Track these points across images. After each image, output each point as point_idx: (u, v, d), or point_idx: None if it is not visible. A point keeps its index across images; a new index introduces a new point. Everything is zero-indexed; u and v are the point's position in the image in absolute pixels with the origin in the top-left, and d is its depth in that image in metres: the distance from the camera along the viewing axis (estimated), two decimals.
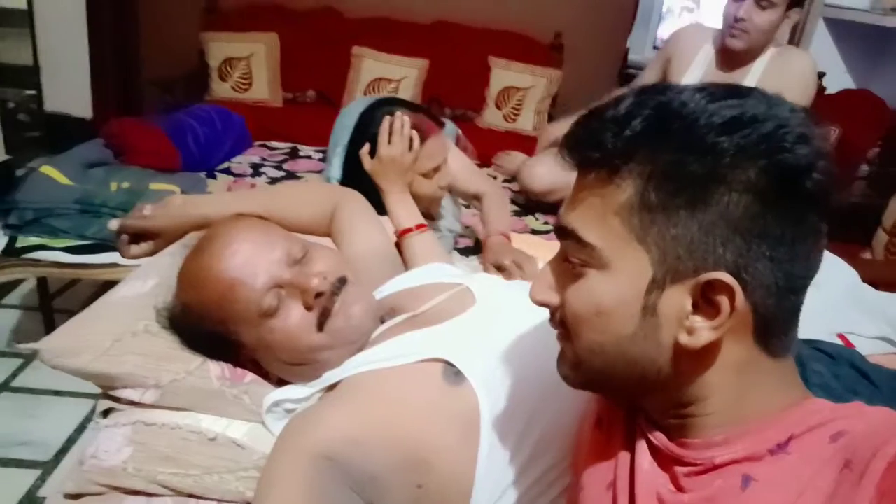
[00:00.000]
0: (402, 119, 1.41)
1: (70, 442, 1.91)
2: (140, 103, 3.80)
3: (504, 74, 3.62)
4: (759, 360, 0.57)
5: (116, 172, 2.22)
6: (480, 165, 2.72)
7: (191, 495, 0.89)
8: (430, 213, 1.62)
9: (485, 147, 3.11)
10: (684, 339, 0.56)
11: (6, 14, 3.50)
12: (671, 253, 0.55)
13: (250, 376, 0.97)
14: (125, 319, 0.98)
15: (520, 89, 3.61)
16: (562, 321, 0.63)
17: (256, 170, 2.77)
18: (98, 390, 1.01)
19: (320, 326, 0.91)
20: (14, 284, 2.55)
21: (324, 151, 2.78)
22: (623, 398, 0.69)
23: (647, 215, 0.55)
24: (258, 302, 0.89)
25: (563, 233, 0.61)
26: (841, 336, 1.27)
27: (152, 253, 1.11)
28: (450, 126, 2.28)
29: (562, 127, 2.51)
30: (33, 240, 2.02)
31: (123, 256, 1.11)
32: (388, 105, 1.52)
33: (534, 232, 2.32)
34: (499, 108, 3.64)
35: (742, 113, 0.54)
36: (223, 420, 0.94)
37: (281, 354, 0.93)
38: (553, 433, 0.81)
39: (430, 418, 0.81)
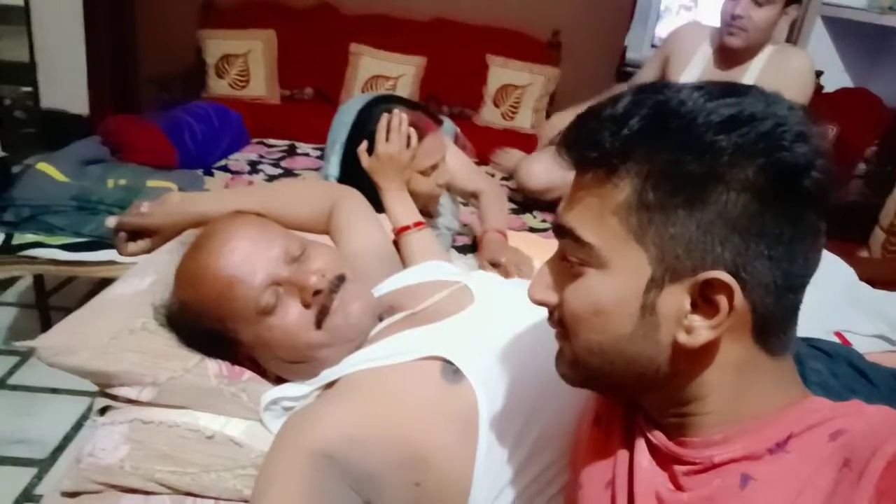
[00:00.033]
0: (400, 116, 1.41)
1: (67, 440, 1.91)
2: (137, 100, 3.79)
3: (502, 72, 3.62)
4: (758, 358, 0.57)
5: (113, 170, 2.22)
6: (478, 163, 2.72)
7: (188, 493, 0.89)
8: (428, 211, 1.62)
9: (482, 145, 3.11)
10: (683, 338, 0.56)
11: (2, 11, 3.49)
12: (669, 252, 0.55)
13: (248, 374, 0.97)
14: (122, 317, 0.98)
15: (518, 87, 3.61)
16: (560, 320, 0.63)
17: (254, 167, 2.77)
18: (95, 388, 1.00)
19: (318, 324, 0.91)
20: (10, 282, 2.55)
21: (321, 149, 2.78)
22: (622, 396, 0.69)
23: (645, 214, 0.55)
24: (256, 299, 0.89)
25: (561, 232, 0.61)
26: (838, 334, 1.27)
27: (150, 250, 1.11)
28: (448, 124, 2.28)
29: (564, 118, 2.52)
30: (30, 237, 2.01)
31: (121, 254, 1.11)
32: (386, 102, 1.52)
33: (532, 230, 2.32)
34: (496, 105, 3.64)
35: (740, 111, 0.53)
36: (221, 418, 0.94)
37: (279, 352, 0.93)
38: (552, 431, 0.81)
39: (429, 416, 0.81)
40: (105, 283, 1.21)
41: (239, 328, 0.91)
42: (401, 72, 3.57)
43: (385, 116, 1.41)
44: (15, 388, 2.08)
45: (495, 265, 1.53)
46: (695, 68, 2.28)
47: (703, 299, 0.55)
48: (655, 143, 0.54)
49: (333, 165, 1.59)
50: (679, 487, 0.59)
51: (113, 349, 0.94)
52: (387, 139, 1.40)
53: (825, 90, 3.09)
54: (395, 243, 1.29)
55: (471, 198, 1.84)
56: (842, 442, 0.52)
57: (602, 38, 3.82)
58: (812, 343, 0.96)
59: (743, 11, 2.09)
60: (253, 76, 3.55)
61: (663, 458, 0.62)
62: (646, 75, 2.46)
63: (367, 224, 1.20)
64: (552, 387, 0.71)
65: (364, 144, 1.43)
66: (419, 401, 0.83)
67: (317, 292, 0.91)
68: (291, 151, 3.05)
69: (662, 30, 4.00)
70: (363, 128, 1.48)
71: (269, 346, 0.92)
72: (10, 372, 2.14)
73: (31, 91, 3.58)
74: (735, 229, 0.53)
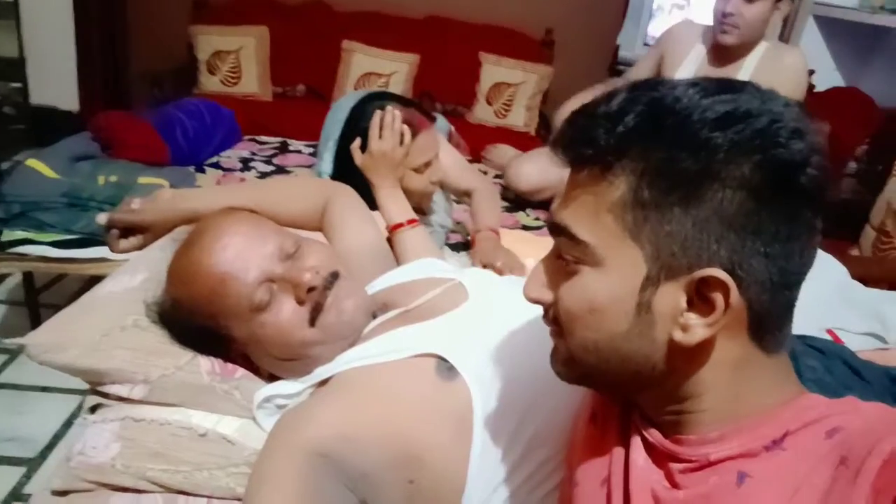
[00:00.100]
0: (393, 113, 1.41)
1: (57, 438, 1.89)
2: (128, 97, 3.77)
3: (495, 70, 3.62)
4: (754, 356, 0.57)
5: (104, 166, 2.20)
6: (471, 161, 2.72)
7: (180, 492, 0.88)
8: (421, 209, 1.62)
9: (475, 143, 3.11)
10: (679, 336, 0.56)
11: None
12: (665, 250, 0.55)
13: (241, 371, 0.96)
14: (114, 314, 0.98)
15: (511, 85, 3.61)
16: (555, 318, 0.63)
17: (246, 164, 2.76)
18: (86, 386, 1.00)
19: (312, 321, 0.91)
20: (0, 279, 2.53)
21: (314, 146, 2.76)
22: (617, 394, 0.69)
23: (641, 212, 0.55)
24: (249, 296, 0.88)
25: (556, 230, 0.61)
26: (830, 332, 1.28)
27: (141, 247, 1.10)
28: (442, 122, 2.28)
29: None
30: (19, 234, 2.00)
31: (112, 250, 1.10)
32: (379, 99, 1.51)
33: (525, 228, 2.32)
34: (489, 103, 3.63)
35: (736, 108, 0.53)
36: (213, 416, 0.93)
37: (272, 349, 0.92)
38: (547, 428, 0.81)
39: (423, 414, 0.81)
40: (96, 280, 1.20)
41: (232, 325, 0.91)
42: (394, 69, 3.57)
43: (378, 113, 1.41)
44: (4, 386, 2.06)
45: (489, 268, 1.52)
46: (689, 67, 2.28)
47: (699, 297, 0.55)
48: (651, 141, 0.54)
49: (326, 162, 1.58)
50: (675, 485, 0.59)
51: (104, 346, 0.93)
52: (380, 136, 1.39)
53: (816, 89, 3.10)
54: (389, 241, 1.28)
55: (464, 196, 1.84)
56: (838, 439, 0.52)
57: (595, 37, 3.82)
58: (806, 341, 0.96)
59: (734, 8, 2.09)
60: (245, 73, 3.53)
61: (659, 456, 0.62)
62: (639, 73, 2.46)
63: (360, 221, 1.20)
64: (547, 384, 0.71)
65: (357, 141, 1.42)
66: (414, 398, 0.82)
67: (311, 289, 0.90)
68: (284, 148, 3.04)
69: (655, 28, 4.01)
70: (356, 125, 1.47)
71: (263, 343, 0.92)
72: (0, 370, 2.13)
73: (20, 87, 3.55)
74: (731, 227, 0.53)
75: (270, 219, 1.02)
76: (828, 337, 1.24)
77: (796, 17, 3.19)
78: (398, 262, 1.23)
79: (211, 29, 3.53)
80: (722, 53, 2.22)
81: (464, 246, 1.89)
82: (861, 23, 3.10)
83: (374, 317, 1.00)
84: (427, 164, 1.51)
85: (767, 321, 0.56)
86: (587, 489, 0.68)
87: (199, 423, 0.92)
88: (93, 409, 0.97)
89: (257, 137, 3.12)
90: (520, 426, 0.81)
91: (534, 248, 1.68)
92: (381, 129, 1.39)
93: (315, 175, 1.70)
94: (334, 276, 0.94)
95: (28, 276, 2.22)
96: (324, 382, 0.91)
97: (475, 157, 3.08)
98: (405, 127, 1.41)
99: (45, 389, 2.05)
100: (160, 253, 1.04)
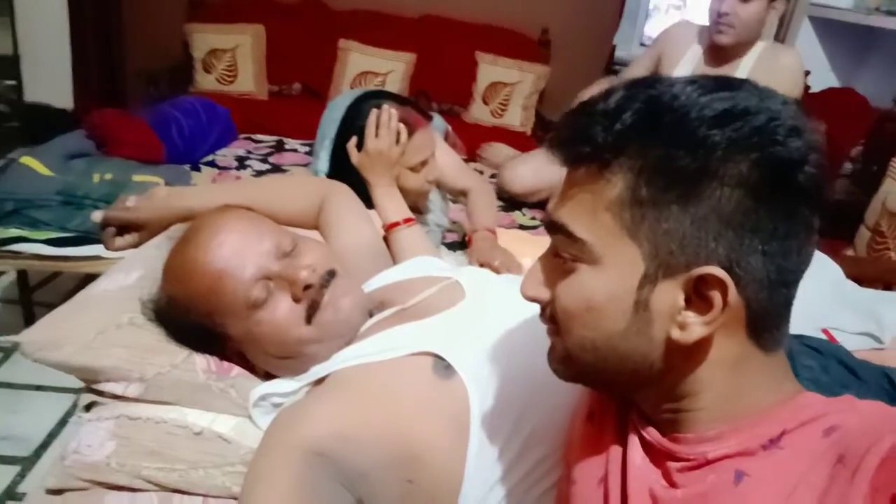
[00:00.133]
0: (390, 112, 1.40)
1: (51, 437, 1.88)
2: (123, 95, 3.76)
3: (491, 69, 3.62)
4: (752, 354, 0.57)
5: (99, 164, 2.19)
6: (467, 160, 2.72)
7: (176, 490, 0.88)
8: (417, 208, 1.62)
9: (472, 142, 3.11)
10: (676, 334, 0.55)
11: None
12: (663, 248, 0.54)
13: (237, 370, 0.96)
14: (109, 311, 0.97)
15: (507, 84, 3.61)
16: (552, 317, 0.63)
17: (242, 163, 2.75)
18: (80, 385, 0.99)
19: (308, 319, 0.90)
20: None
21: (310, 145, 2.76)
22: (615, 392, 0.69)
23: (639, 210, 0.55)
24: (246, 293, 0.88)
25: (553, 228, 0.61)
26: (825, 332, 1.28)
27: (136, 245, 1.10)
28: (439, 121, 2.27)
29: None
30: (13, 231, 1.99)
31: (107, 248, 1.09)
32: (375, 98, 1.51)
33: (521, 227, 2.32)
34: (486, 103, 3.63)
35: (734, 105, 0.53)
36: (209, 414, 0.93)
37: (268, 347, 0.92)
38: (544, 426, 0.81)
39: (420, 412, 0.81)
40: (90, 278, 1.19)
41: (228, 323, 0.91)
42: (390, 68, 3.56)
43: (374, 112, 1.41)
44: None
45: (486, 267, 1.52)
46: (685, 67, 2.29)
47: (697, 295, 0.54)
48: (648, 138, 0.54)
49: (322, 161, 1.58)
50: (673, 484, 0.59)
51: (99, 344, 0.92)
52: (376, 135, 1.39)
53: (812, 90, 3.11)
54: (385, 240, 1.28)
55: (460, 195, 1.84)
56: (835, 438, 0.52)
57: (591, 37, 3.83)
58: (802, 340, 0.97)
59: (729, 8, 2.10)
60: (241, 71, 3.53)
61: (657, 455, 0.62)
62: (635, 73, 2.47)
63: (357, 219, 1.20)
64: (544, 383, 0.71)
65: (353, 140, 1.42)
66: (411, 397, 0.82)
67: (307, 287, 0.90)
68: (279, 147, 3.04)
69: (651, 28, 4.02)
70: (352, 123, 1.47)
71: (259, 341, 0.91)
72: None
73: (14, 84, 3.53)
74: (729, 224, 0.52)
75: (266, 217, 1.02)
76: (823, 337, 1.24)
77: (792, 17, 3.20)
78: (395, 261, 1.22)
79: (207, 27, 3.52)
80: (718, 54, 2.23)
81: (460, 245, 1.88)
82: (856, 24, 3.11)
83: (371, 315, 1.00)
84: (423, 163, 1.51)
85: (765, 319, 0.56)
86: (584, 488, 0.68)
87: (195, 421, 0.91)
88: (88, 408, 0.97)
89: (253, 136, 3.11)
90: (517, 425, 0.81)
91: (530, 247, 1.68)
92: (377, 127, 1.39)
93: (311, 174, 1.69)
94: (331, 274, 0.93)
95: (22, 275, 2.21)
96: (320, 381, 0.91)
97: (472, 157, 3.08)
98: (401, 125, 1.41)
99: (39, 388, 2.04)
100: (156, 251, 1.03)
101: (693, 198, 0.53)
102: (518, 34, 3.75)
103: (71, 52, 3.48)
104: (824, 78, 3.31)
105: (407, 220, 1.30)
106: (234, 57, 3.50)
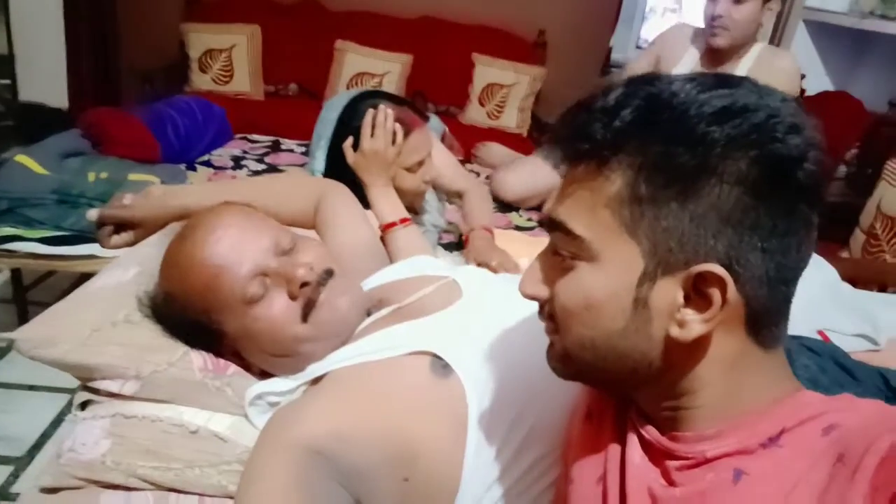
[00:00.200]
0: (386, 112, 1.40)
1: (44, 437, 1.88)
2: (118, 94, 3.74)
3: (488, 71, 3.62)
4: (751, 352, 0.57)
5: (94, 163, 2.18)
6: (463, 162, 2.72)
7: (171, 489, 0.87)
8: (413, 208, 1.61)
9: (468, 144, 3.12)
10: (675, 332, 0.55)
11: None
12: (662, 245, 0.54)
13: (233, 368, 0.95)
14: (105, 309, 0.96)
15: (503, 86, 3.61)
16: (551, 315, 0.63)
17: (237, 163, 2.75)
18: (74, 385, 0.98)
19: (304, 317, 0.90)
20: None
21: (306, 145, 2.75)
22: (614, 390, 0.69)
23: (638, 207, 0.54)
24: (242, 289, 0.88)
25: (552, 225, 0.61)
26: (821, 333, 1.29)
27: (133, 243, 1.09)
28: (436, 122, 2.27)
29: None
30: (8, 230, 1.98)
31: (103, 246, 1.09)
32: (371, 98, 1.50)
33: (517, 228, 2.32)
34: (482, 104, 3.64)
35: (733, 102, 0.53)
36: (205, 413, 0.92)
37: (264, 345, 0.92)
38: (542, 425, 0.81)
39: (418, 411, 0.80)
40: (85, 277, 1.19)
41: (224, 319, 0.90)
42: (386, 69, 3.56)
43: (371, 112, 1.40)
44: None
45: (483, 266, 1.52)
46: (683, 70, 2.29)
47: (696, 292, 0.54)
48: (647, 135, 0.54)
49: (319, 161, 1.58)
50: (671, 483, 0.59)
51: (95, 341, 0.91)
52: (372, 135, 1.38)
53: (807, 93, 3.13)
54: (382, 240, 1.28)
55: (455, 197, 1.83)
56: (835, 436, 0.52)
57: (587, 39, 3.84)
58: (799, 341, 0.97)
59: (723, 11, 2.11)
60: (237, 71, 3.52)
61: (656, 454, 0.62)
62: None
63: (354, 219, 1.19)
64: (543, 381, 0.71)
65: (349, 140, 1.41)
66: (408, 396, 0.82)
67: (304, 284, 0.90)
68: (276, 147, 3.03)
69: (648, 31, 4.04)
70: (349, 123, 1.46)
71: (254, 338, 0.91)
72: None
73: (9, 83, 3.51)
74: (728, 222, 0.52)
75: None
76: (819, 338, 1.24)
77: (786, 21, 3.21)
78: (391, 261, 1.22)
79: (203, 27, 3.52)
80: (715, 56, 2.24)
81: (456, 246, 1.88)
82: (851, 28, 3.12)
83: (369, 314, 0.99)
84: (420, 164, 1.50)
85: (764, 317, 0.56)
86: (583, 487, 0.68)
87: (191, 420, 0.91)
88: (83, 406, 0.96)
89: (249, 136, 3.11)
90: (515, 424, 0.81)
91: (527, 248, 1.68)
92: (373, 127, 1.39)
93: (308, 174, 1.69)
94: (329, 273, 0.93)
95: (16, 273, 2.20)
96: (317, 380, 0.91)
97: (468, 157, 3.09)
98: (398, 126, 1.40)
99: (32, 388, 2.03)
100: (152, 249, 1.03)
101: (692, 195, 0.53)
102: (515, 36, 3.76)
103: (66, 51, 3.46)
104: (819, 81, 3.33)
105: (403, 221, 1.29)
106: (230, 57, 3.50)
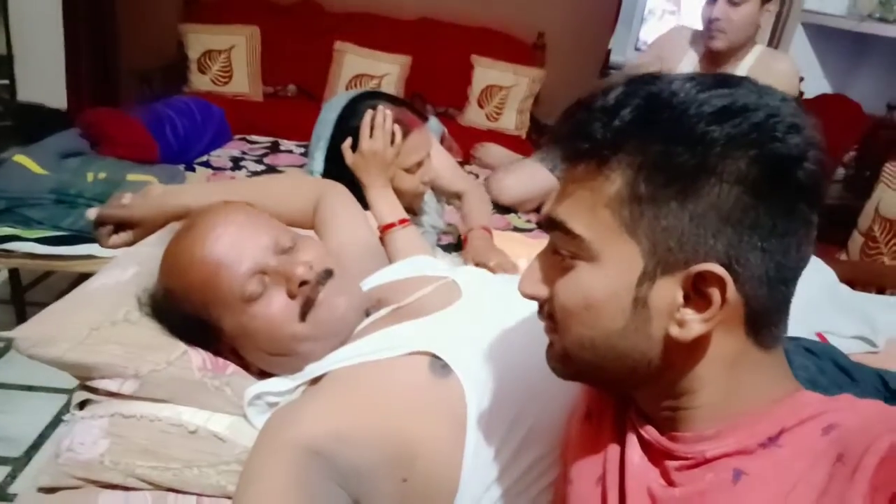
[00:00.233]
0: (385, 113, 1.40)
1: (42, 438, 1.87)
2: (116, 94, 3.74)
3: (487, 73, 3.63)
4: (751, 352, 0.57)
5: (92, 163, 2.18)
6: (462, 164, 2.72)
7: (170, 489, 0.87)
8: (412, 209, 1.61)
9: (467, 145, 3.12)
10: (675, 331, 0.55)
11: None
12: (662, 245, 0.54)
13: (232, 368, 0.95)
14: (104, 308, 0.96)
15: (502, 88, 3.62)
16: (550, 314, 0.62)
17: (236, 163, 2.75)
18: (71, 385, 0.98)
19: (303, 316, 0.90)
20: None
21: (305, 146, 2.76)
22: (613, 390, 0.68)
23: (637, 207, 0.54)
24: (241, 287, 0.87)
25: (551, 225, 0.61)
26: (819, 335, 1.29)
27: (132, 243, 1.09)
28: (435, 123, 2.27)
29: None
30: (6, 230, 1.97)
31: (102, 246, 1.09)
32: (371, 99, 1.50)
33: (516, 229, 2.32)
34: (481, 106, 3.64)
35: (732, 102, 0.53)
36: (204, 412, 0.92)
37: (262, 343, 0.92)
38: (541, 426, 0.81)
39: (417, 412, 0.80)
40: (84, 277, 1.19)
41: (223, 316, 0.90)
42: (385, 70, 3.57)
43: (369, 113, 1.40)
44: None
45: (482, 266, 1.52)
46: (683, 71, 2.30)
47: (696, 292, 0.54)
48: (647, 135, 0.54)
49: (317, 162, 1.58)
50: (671, 483, 0.59)
51: (93, 340, 0.91)
52: (371, 135, 1.38)
53: (805, 96, 3.13)
54: (381, 241, 1.28)
55: (454, 198, 1.83)
56: (835, 436, 0.52)
57: (586, 41, 3.85)
58: (798, 342, 0.97)
59: (720, 13, 2.12)
60: (235, 72, 3.52)
61: (655, 454, 0.62)
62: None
63: (353, 219, 1.19)
64: (542, 381, 0.71)
65: (348, 141, 1.41)
66: (407, 396, 0.82)
67: (303, 283, 0.89)
68: (275, 148, 3.04)
69: (646, 33, 4.04)
70: (347, 124, 1.46)
71: (253, 336, 0.91)
72: None
73: (7, 84, 3.51)
74: (728, 221, 0.52)
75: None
76: (818, 340, 1.24)
77: (785, 24, 3.22)
78: (390, 261, 1.22)
79: (202, 27, 3.52)
80: (714, 59, 2.24)
81: (455, 247, 1.88)
82: (849, 31, 3.13)
83: (368, 314, 0.99)
84: (418, 164, 1.50)
85: (764, 316, 0.56)
86: (582, 487, 0.68)
87: (190, 419, 0.90)
88: (81, 405, 0.96)
89: (248, 137, 3.11)
90: (514, 424, 0.81)
91: (526, 249, 1.69)
92: (372, 128, 1.39)
93: (307, 174, 1.69)
94: (328, 273, 0.93)
95: (14, 274, 2.20)
96: (316, 380, 0.90)
97: (467, 159, 3.09)
98: (396, 126, 1.41)
99: (30, 388, 2.02)
100: (151, 248, 1.03)
101: (692, 194, 0.53)
102: (514, 38, 3.76)
103: (65, 51, 3.46)
104: (817, 84, 3.33)
105: (402, 221, 1.29)
106: (229, 58, 3.50)
